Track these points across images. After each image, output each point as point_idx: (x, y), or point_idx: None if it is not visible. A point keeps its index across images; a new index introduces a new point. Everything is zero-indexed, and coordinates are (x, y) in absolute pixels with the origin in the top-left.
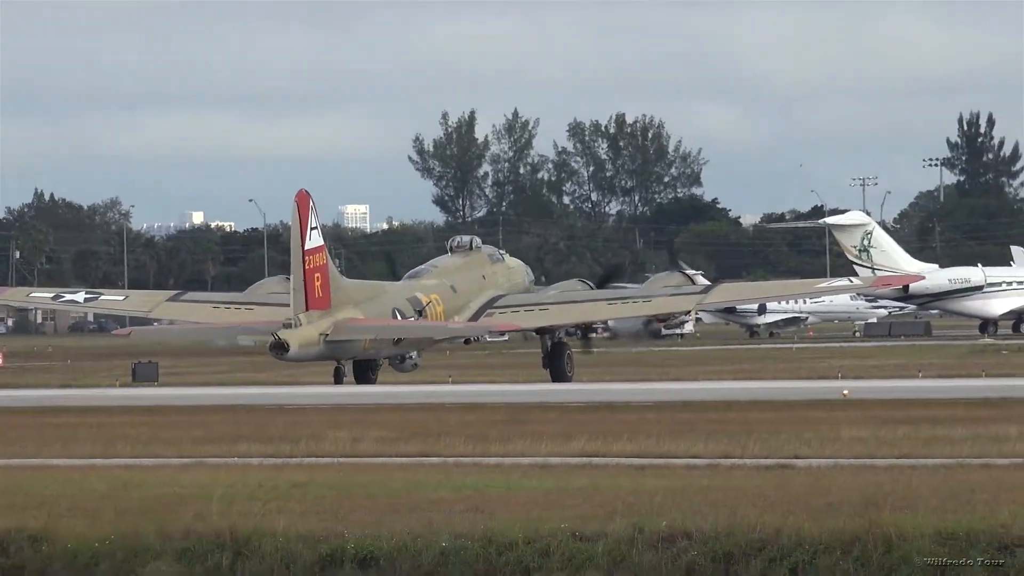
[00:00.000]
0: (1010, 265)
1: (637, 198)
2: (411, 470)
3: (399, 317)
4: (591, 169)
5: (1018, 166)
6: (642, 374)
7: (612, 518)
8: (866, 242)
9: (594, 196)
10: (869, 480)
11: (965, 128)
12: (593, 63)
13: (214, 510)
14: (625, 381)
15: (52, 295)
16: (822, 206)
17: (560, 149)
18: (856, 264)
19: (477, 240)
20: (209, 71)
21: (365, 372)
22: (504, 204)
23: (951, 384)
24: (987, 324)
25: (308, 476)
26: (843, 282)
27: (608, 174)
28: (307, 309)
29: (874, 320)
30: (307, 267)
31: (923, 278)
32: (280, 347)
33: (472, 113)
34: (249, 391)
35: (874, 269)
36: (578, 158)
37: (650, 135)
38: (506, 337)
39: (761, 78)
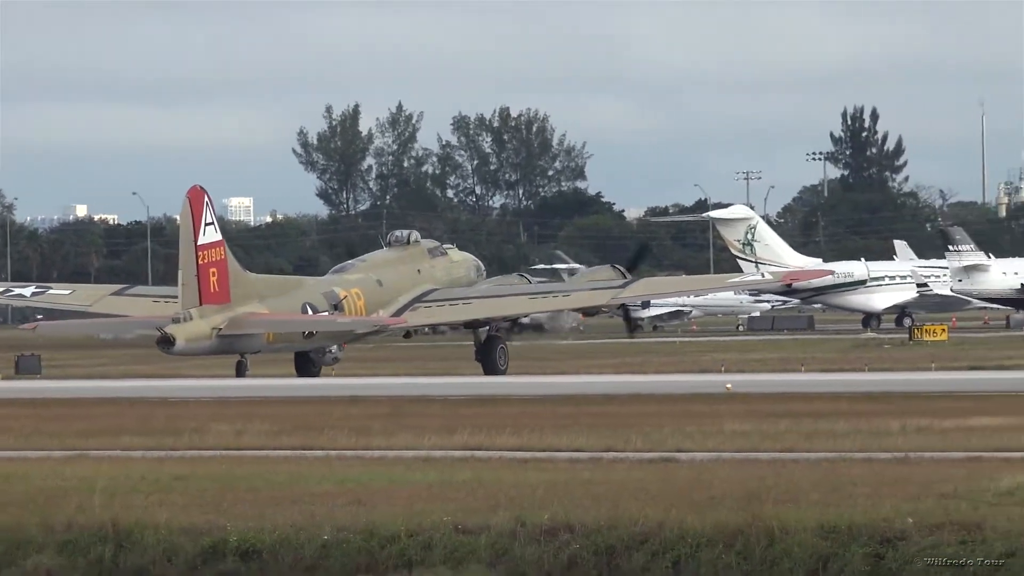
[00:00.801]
0: (893, 259)
1: (521, 191)
2: (294, 463)
3: (311, 311)
4: (475, 163)
5: (901, 160)
6: (525, 368)
7: (495, 511)
8: (750, 236)
9: (478, 190)
10: (752, 473)
11: (849, 122)
12: (478, 56)
13: (96, 503)
14: (509, 374)
15: (2, 289)
16: (706, 200)
17: (444, 143)
18: (740, 258)
19: (416, 234)
20: (93, 63)
21: (306, 365)
22: (388, 197)
23: (834, 378)
24: (870, 318)
25: (190, 469)
26: (756, 276)
27: (492, 167)
28: (201, 304)
29: (757, 314)
30: (201, 262)
31: (832, 273)
32: (166, 341)
33: (356, 106)
34: (133, 384)
35: (757, 263)
36: (462, 151)
37: (534, 128)
38: (445, 331)
39: (647, 71)
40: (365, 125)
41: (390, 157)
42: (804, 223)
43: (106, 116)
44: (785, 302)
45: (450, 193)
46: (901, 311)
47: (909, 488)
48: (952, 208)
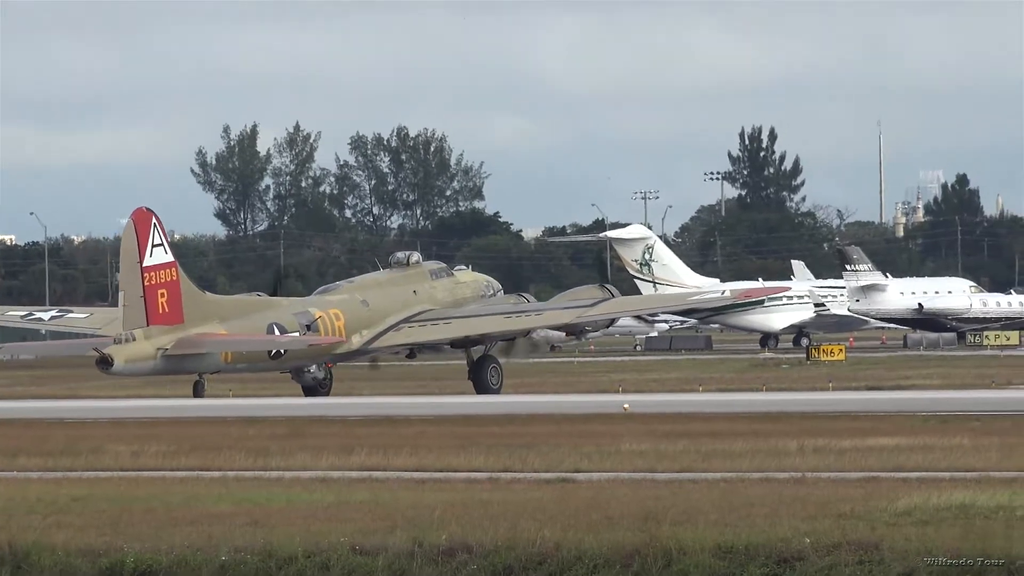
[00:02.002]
0: (791, 279)
1: (419, 212)
2: (191, 484)
3: (277, 331)
4: (373, 183)
5: (799, 180)
6: (424, 387)
7: (392, 532)
8: (647, 256)
9: (376, 210)
10: (649, 494)
11: (747, 142)
12: (376, 76)
13: None
14: (407, 395)
15: (24, 313)
16: (604, 219)
17: (342, 163)
18: (637, 278)
19: (416, 256)
20: None
21: (314, 388)
22: (286, 218)
23: (731, 398)
24: (767, 338)
25: (88, 490)
26: (715, 294)
27: (390, 188)
28: (148, 324)
29: (655, 334)
30: (148, 283)
31: (788, 289)
32: (104, 362)
33: (254, 126)
34: (29, 404)
35: (655, 283)
36: (360, 172)
37: (432, 148)
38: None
39: (546, 90)
40: (263, 145)
41: (288, 177)
42: (702, 243)
43: (4, 135)
44: (683, 322)
45: (348, 213)
46: (799, 331)
47: (807, 508)
48: (850, 228)
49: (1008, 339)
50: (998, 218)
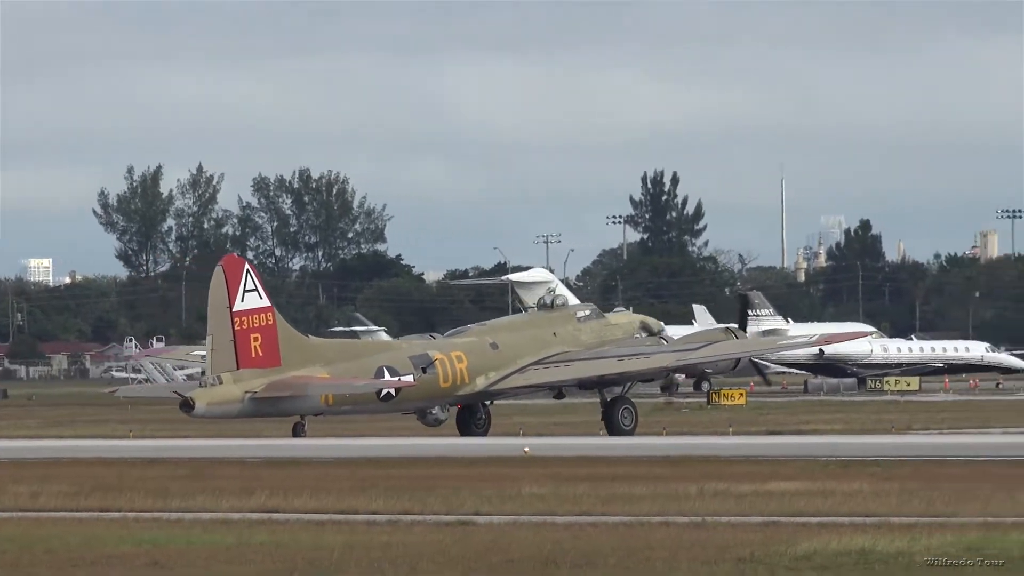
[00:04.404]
0: (692, 324)
1: (321, 253)
2: (91, 525)
3: (387, 374)
4: (275, 224)
5: (701, 224)
6: (329, 430)
7: (291, 574)
8: (549, 299)
9: (278, 251)
10: (549, 537)
11: (649, 186)
12: (279, 118)
13: None
14: (314, 437)
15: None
16: (505, 263)
17: (244, 204)
18: None
19: (563, 299)
20: None
21: (468, 423)
22: (188, 259)
23: (632, 442)
24: (669, 383)
25: None
26: (804, 337)
27: (292, 229)
28: (238, 368)
29: None
30: (239, 328)
31: (872, 332)
32: (187, 405)
33: (158, 167)
34: None
35: None
36: (262, 213)
37: (335, 191)
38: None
39: (450, 133)
40: (166, 186)
41: (190, 218)
42: (603, 286)
43: None
44: None
45: (250, 255)
46: (699, 375)
47: (706, 552)
48: (751, 272)
49: (908, 384)
50: (899, 263)
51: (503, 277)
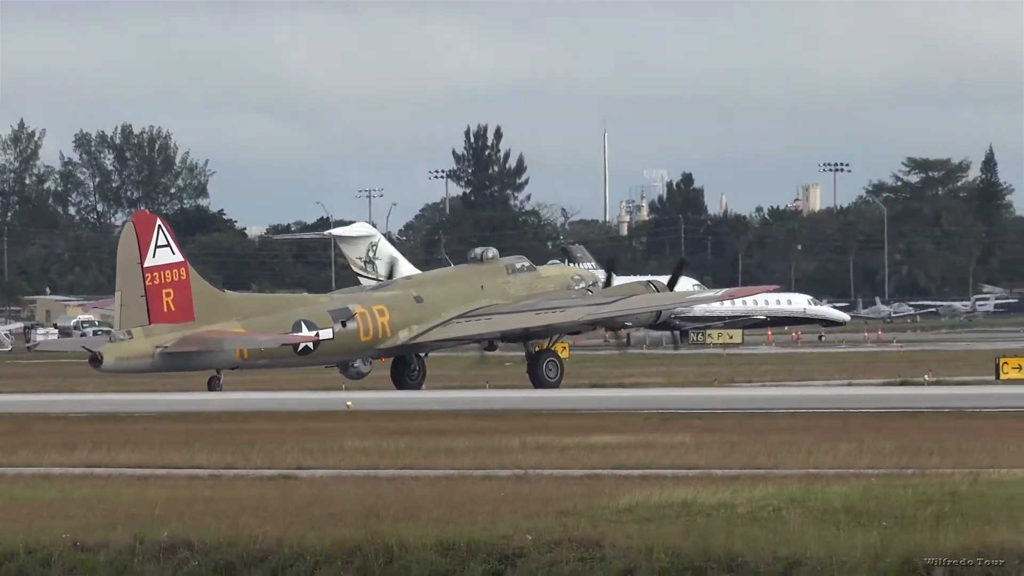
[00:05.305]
0: None
1: (144, 209)
2: None
3: (305, 328)
4: (97, 180)
5: (523, 178)
6: (148, 385)
7: (114, 528)
8: (371, 254)
9: (100, 207)
10: (371, 491)
11: (472, 140)
12: (101, 74)
13: None
14: (132, 392)
15: None
16: (328, 217)
17: (66, 160)
18: (362, 276)
19: (492, 252)
20: None
21: (402, 376)
22: (9, 215)
23: (455, 395)
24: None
25: None
26: (709, 293)
27: (115, 185)
28: (150, 323)
29: None
30: (150, 283)
31: (778, 288)
32: (95, 360)
33: None
34: None
35: (379, 280)
36: (84, 169)
37: (157, 146)
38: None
39: (272, 88)
40: None
41: (11, 175)
42: (426, 241)
43: None
44: None
45: (72, 210)
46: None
47: (529, 505)
48: (574, 226)
49: (731, 337)
50: (722, 217)
51: (325, 232)
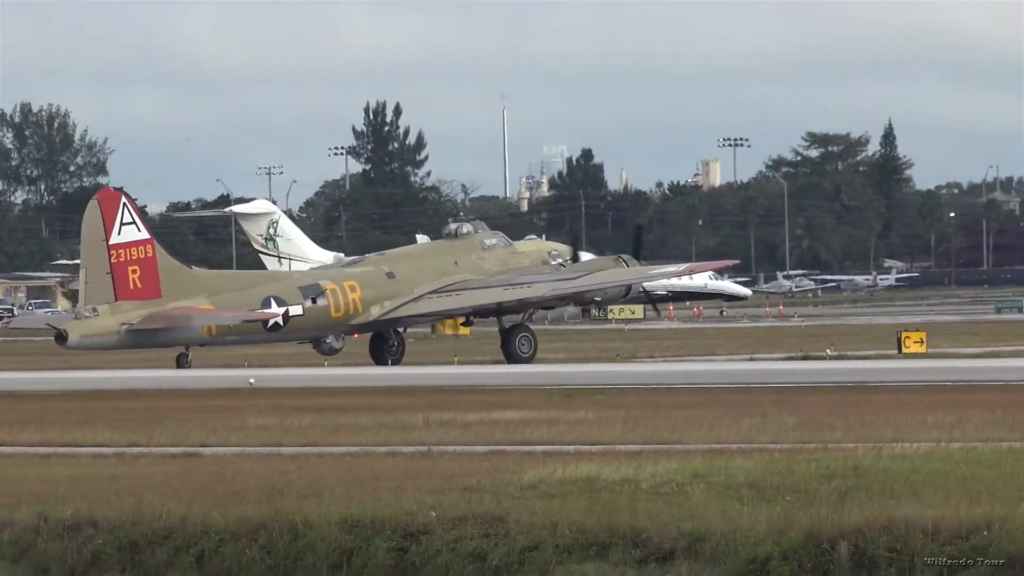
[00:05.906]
0: None
1: (43, 187)
2: None
3: (275, 305)
4: None
5: (423, 155)
6: (41, 363)
7: (17, 507)
8: (272, 231)
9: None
10: (275, 468)
11: (371, 116)
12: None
13: None
14: (33, 370)
15: None
16: (228, 195)
17: None
18: (263, 253)
19: (467, 227)
20: None
21: (380, 351)
22: None
23: (358, 372)
24: None
25: None
26: (674, 268)
27: (14, 163)
28: (116, 300)
29: None
30: (115, 260)
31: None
32: (61, 337)
33: None
34: None
35: (280, 258)
36: None
37: (56, 124)
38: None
39: (176, 67)
40: None
41: None
42: (327, 218)
43: None
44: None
45: None
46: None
47: (432, 481)
48: (474, 202)
49: (632, 313)
50: (622, 192)
51: (226, 209)
